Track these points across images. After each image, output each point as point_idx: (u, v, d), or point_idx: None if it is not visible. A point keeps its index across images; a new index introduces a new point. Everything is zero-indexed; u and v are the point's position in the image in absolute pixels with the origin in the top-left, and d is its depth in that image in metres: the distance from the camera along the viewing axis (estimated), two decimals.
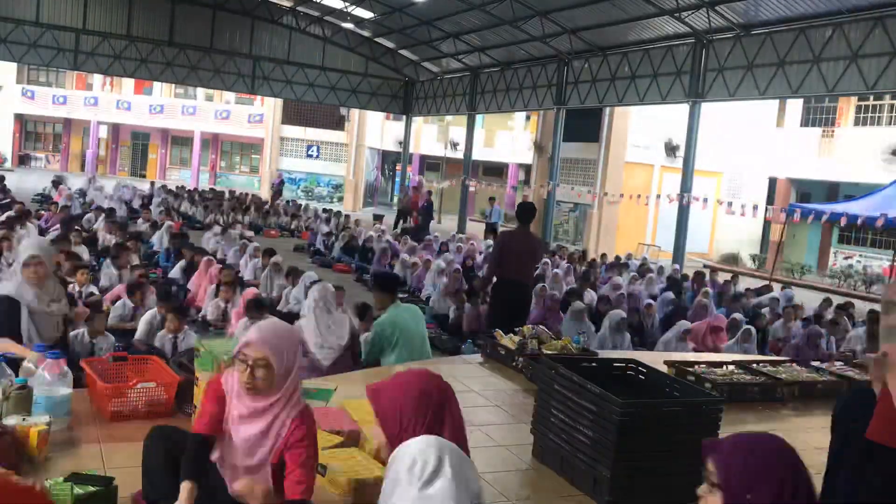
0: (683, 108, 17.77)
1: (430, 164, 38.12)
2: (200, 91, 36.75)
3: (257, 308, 6.47)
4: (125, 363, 4.10)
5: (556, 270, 13.08)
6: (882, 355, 2.25)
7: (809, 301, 13.75)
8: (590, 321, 9.34)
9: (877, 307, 13.01)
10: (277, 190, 29.50)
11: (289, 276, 10.10)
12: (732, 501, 1.63)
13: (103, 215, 14.40)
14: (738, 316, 10.08)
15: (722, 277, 15.37)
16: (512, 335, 6.36)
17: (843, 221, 16.89)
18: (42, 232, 12.45)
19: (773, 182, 26.81)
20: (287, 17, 26.42)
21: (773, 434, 1.75)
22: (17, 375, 3.51)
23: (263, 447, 2.58)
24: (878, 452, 2.28)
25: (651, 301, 10.96)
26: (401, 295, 12.50)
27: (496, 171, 37.64)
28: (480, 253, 15.69)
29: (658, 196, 21.13)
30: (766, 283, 14.69)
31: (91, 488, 2.78)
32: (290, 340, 2.65)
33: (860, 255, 24.28)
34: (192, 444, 2.65)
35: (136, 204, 20.24)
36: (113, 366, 4.05)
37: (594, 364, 4.35)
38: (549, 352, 5.79)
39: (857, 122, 25.09)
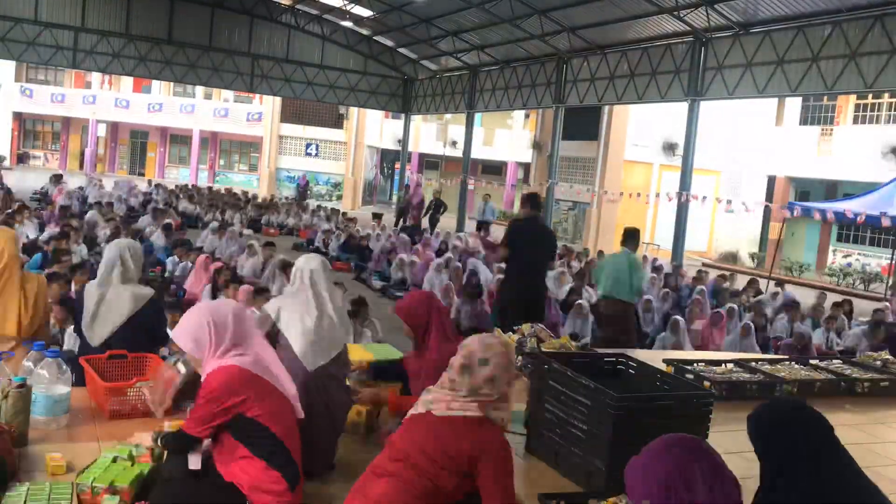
0: (682, 107, 17.78)
1: (428, 163, 38.13)
2: (199, 89, 36.75)
3: (260, 294, 6.55)
4: (124, 361, 4.06)
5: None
6: None
7: (807, 299, 13.75)
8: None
9: (879, 306, 13.00)
10: (303, 191, 29.53)
11: (285, 271, 10.09)
12: None
13: (95, 211, 14.39)
14: (733, 307, 10.12)
15: (720, 276, 15.35)
16: (511, 333, 6.37)
17: (831, 217, 16.83)
18: (41, 230, 12.45)
19: (771, 180, 26.84)
20: (286, 15, 26.40)
21: (659, 439, 1.91)
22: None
23: None
24: None
25: (650, 298, 10.98)
26: (399, 293, 12.62)
27: (495, 169, 37.66)
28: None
29: (657, 194, 21.16)
30: (753, 278, 14.59)
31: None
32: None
33: (859, 254, 24.30)
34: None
35: (135, 202, 20.25)
36: (112, 364, 4.02)
37: (586, 359, 4.38)
38: (546, 350, 5.80)
39: (855, 121, 25.11)
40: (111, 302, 4.20)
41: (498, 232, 23.07)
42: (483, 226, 22.62)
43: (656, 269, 15.07)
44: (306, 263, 3.55)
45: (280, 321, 3.44)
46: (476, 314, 9.55)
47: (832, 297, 14.72)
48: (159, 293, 6.78)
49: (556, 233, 26.35)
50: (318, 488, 3.23)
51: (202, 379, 2.83)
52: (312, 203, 28.40)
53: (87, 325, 4.15)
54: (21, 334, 4.27)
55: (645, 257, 17.61)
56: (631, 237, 8.27)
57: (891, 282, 19.27)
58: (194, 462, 2.82)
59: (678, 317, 9.12)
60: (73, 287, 7.37)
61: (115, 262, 4.24)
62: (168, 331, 4.63)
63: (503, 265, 8.46)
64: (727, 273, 15.96)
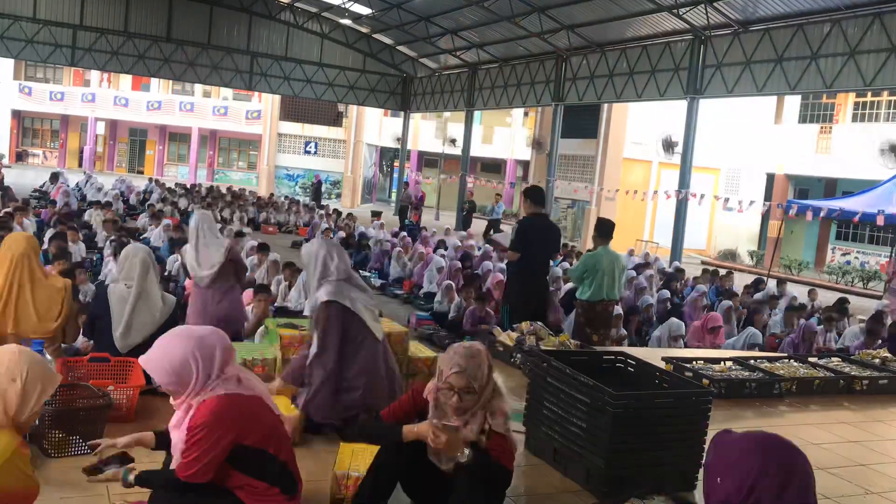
0: (681, 105, 17.77)
1: (428, 161, 38.10)
2: (198, 87, 36.73)
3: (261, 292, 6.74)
4: (106, 364, 3.98)
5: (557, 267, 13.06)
6: None
7: (804, 297, 13.76)
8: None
9: (875, 303, 12.97)
10: (316, 191, 29.64)
11: (286, 270, 10.05)
12: (707, 479, 1.92)
13: (100, 211, 14.38)
14: (726, 303, 10.12)
15: (721, 273, 15.32)
16: (510, 331, 6.38)
17: (837, 215, 16.88)
18: (40, 228, 12.44)
19: (770, 178, 26.84)
20: (285, 12, 26.38)
21: (773, 437, 1.89)
22: None
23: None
24: None
25: (649, 298, 10.98)
26: (398, 292, 12.61)
27: (494, 167, 37.66)
28: (479, 248, 15.68)
29: (656, 192, 21.14)
30: (759, 277, 14.66)
31: None
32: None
33: (858, 252, 24.31)
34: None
35: (133, 200, 20.26)
36: (91, 367, 3.94)
37: (585, 357, 4.39)
38: (546, 348, 5.80)
39: (854, 119, 25.11)
40: (145, 312, 4.19)
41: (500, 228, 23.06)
42: (494, 224, 22.74)
43: (649, 265, 14.99)
44: (325, 253, 3.94)
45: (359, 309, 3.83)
46: (481, 315, 9.49)
47: (830, 296, 14.74)
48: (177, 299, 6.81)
49: None
50: None
51: (187, 417, 2.59)
52: (339, 204, 28.54)
53: (121, 333, 4.12)
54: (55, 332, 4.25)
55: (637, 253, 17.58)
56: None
57: (886, 279, 19.27)
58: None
59: (678, 320, 9.10)
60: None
61: (144, 267, 4.22)
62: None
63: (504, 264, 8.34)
64: (725, 271, 15.93)
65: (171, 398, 2.64)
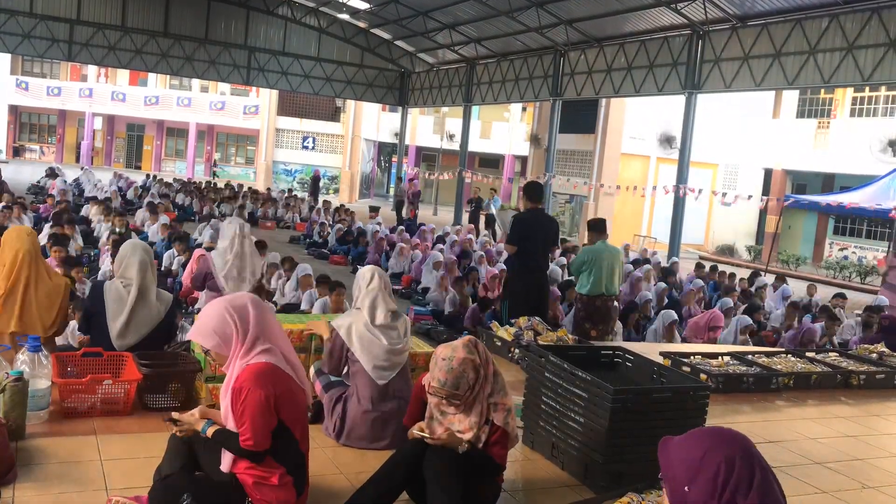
0: (680, 100, 17.77)
1: (426, 156, 38.08)
2: (196, 82, 36.65)
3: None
4: (99, 359, 3.96)
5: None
6: None
7: (801, 292, 13.78)
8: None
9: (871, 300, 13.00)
10: (315, 186, 29.67)
11: (285, 264, 10.05)
12: (672, 494, 1.67)
13: (96, 206, 14.36)
14: (727, 301, 10.14)
15: (721, 270, 15.32)
16: (508, 326, 6.39)
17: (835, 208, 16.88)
18: (37, 223, 12.42)
19: (768, 173, 26.86)
20: (282, 7, 26.31)
21: (721, 428, 1.76)
22: None
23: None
24: None
25: (647, 294, 10.97)
26: (396, 286, 12.61)
27: (492, 162, 37.60)
28: (478, 243, 15.67)
29: (654, 187, 21.15)
30: (756, 271, 14.68)
31: None
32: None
33: (855, 247, 24.34)
34: None
35: (131, 195, 20.22)
36: (85, 361, 3.93)
37: (583, 352, 4.39)
38: (544, 343, 5.81)
39: (852, 114, 25.11)
40: (143, 310, 4.16)
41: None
42: (490, 219, 22.80)
43: (648, 260, 15.01)
44: (365, 282, 3.85)
45: (351, 341, 3.74)
46: (475, 309, 9.49)
47: (828, 291, 14.75)
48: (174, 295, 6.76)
49: None
50: None
51: (231, 381, 2.65)
52: (336, 200, 28.44)
53: (118, 332, 4.10)
54: (49, 332, 4.23)
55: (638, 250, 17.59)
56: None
57: (882, 272, 19.31)
58: (226, 465, 2.71)
59: (670, 310, 9.10)
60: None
61: (142, 265, 4.19)
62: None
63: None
64: (721, 267, 15.94)
65: (221, 364, 2.75)
